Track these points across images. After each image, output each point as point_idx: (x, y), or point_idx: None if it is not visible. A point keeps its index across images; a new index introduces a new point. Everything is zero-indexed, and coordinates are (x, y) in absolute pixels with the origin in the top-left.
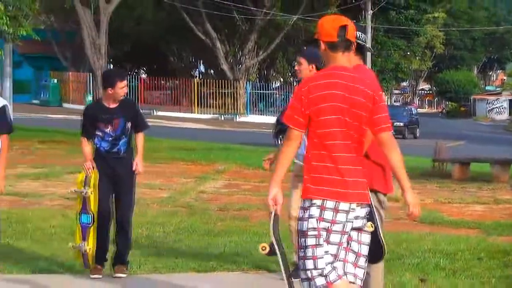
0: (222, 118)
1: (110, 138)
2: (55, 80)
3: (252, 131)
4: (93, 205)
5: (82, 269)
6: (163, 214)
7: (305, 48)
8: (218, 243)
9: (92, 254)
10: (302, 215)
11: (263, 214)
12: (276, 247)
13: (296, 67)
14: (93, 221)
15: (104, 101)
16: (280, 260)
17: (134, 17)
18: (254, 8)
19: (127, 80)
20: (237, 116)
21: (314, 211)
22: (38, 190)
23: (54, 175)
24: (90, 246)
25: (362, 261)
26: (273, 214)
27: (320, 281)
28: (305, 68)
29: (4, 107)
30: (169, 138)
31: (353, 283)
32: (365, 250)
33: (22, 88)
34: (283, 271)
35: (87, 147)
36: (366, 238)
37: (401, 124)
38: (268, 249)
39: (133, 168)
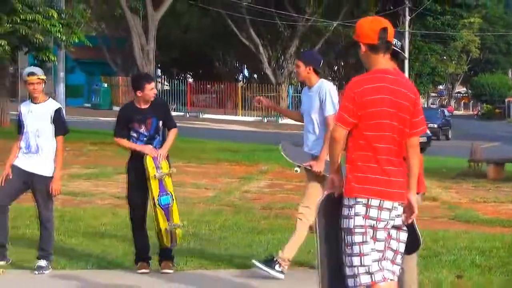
0: (265, 120)
1: (145, 138)
2: (106, 85)
3: (294, 132)
4: (169, 186)
5: (130, 265)
6: (209, 212)
7: (302, 51)
8: (261, 240)
9: (180, 233)
10: (348, 213)
11: None
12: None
13: (295, 69)
14: (173, 199)
15: (136, 103)
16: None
17: (181, 24)
18: (296, 15)
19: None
20: (280, 118)
21: (360, 209)
22: (90, 189)
23: (105, 176)
24: (177, 222)
25: (399, 259)
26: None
27: (365, 279)
28: (302, 70)
29: (59, 109)
30: (214, 139)
31: (392, 279)
32: (402, 247)
33: (75, 92)
34: (318, 251)
35: (126, 140)
36: (404, 236)
37: (435, 125)
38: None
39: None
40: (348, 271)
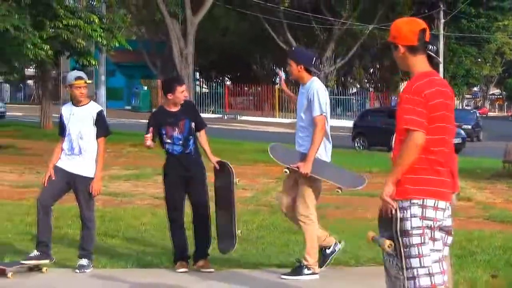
0: None
1: (180, 142)
2: (146, 87)
3: (330, 134)
4: None
5: (170, 264)
6: (246, 212)
7: (292, 49)
8: (298, 240)
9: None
10: (403, 215)
11: (339, 212)
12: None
13: (287, 69)
14: None
15: (166, 106)
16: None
17: (219, 28)
18: (332, 18)
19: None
20: None
21: (416, 210)
22: (130, 190)
23: (144, 176)
24: None
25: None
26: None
27: (425, 281)
28: (294, 69)
29: (101, 112)
30: (252, 141)
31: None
32: (447, 251)
33: (115, 95)
34: (404, 266)
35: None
36: (450, 240)
37: (469, 126)
38: (392, 245)
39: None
40: (407, 274)
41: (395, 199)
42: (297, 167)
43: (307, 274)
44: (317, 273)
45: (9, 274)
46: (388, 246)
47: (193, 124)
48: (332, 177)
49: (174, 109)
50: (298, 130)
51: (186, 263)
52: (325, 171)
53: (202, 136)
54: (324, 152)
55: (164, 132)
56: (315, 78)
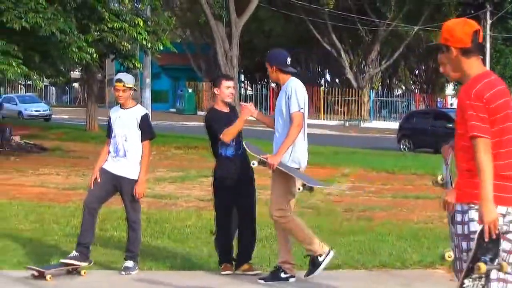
0: (347, 124)
1: (234, 143)
2: (191, 90)
3: (376, 136)
4: None
5: (215, 267)
6: None
7: (268, 52)
8: (343, 242)
9: None
10: (462, 219)
11: (386, 215)
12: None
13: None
14: None
15: (217, 107)
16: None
17: (264, 30)
18: (377, 20)
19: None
20: (362, 122)
21: (474, 214)
22: (175, 192)
23: (190, 179)
24: None
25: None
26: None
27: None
28: (270, 71)
29: (146, 115)
30: None
31: None
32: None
33: (160, 98)
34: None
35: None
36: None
37: None
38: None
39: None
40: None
41: (456, 202)
42: (266, 158)
43: (284, 278)
44: (294, 276)
45: (48, 277)
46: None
47: None
48: (298, 174)
49: (226, 109)
50: (275, 132)
51: (231, 266)
52: (287, 168)
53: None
54: (289, 155)
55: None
56: (293, 78)
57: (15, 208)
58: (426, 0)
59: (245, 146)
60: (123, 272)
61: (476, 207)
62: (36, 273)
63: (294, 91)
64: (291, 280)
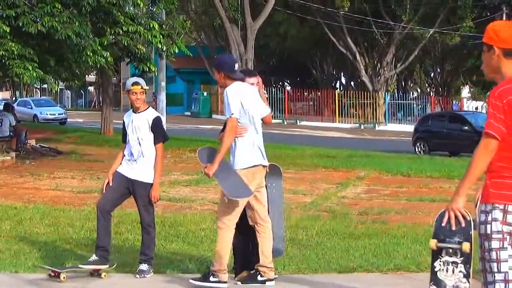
0: (362, 127)
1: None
2: (205, 93)
3: (391, 139)
4: None
5: (229, 270)
6: (306, 218)
7: (215, 57)
8: (358, 245)
9: None
10: (485, 219)
11: (401, 218)
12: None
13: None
14: None
15: None
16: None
17: (279, 33)
18: (393, 23)
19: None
20: (377, 125)
21: (497, 214)
22: (189, 195)
23: (204, 182)
24: None
25: None
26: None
27: (500, 286)
28: (217, 77)
29: (157, 118)
30: (312, 146)
31: None
32: None
33: (175, 101)
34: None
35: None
36: None
37: None
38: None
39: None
40: (488, 277)
41: (481, 202)
42: (205, 167)
43: (213, 282)
44: (224, 282)
45: (62, 277)
46: (469, 249)
47: None
48: (225, 183)
49: None
50: None
51: (247, 271)
52: (224, 177)
53: None
54: (235, 156)
55: None
56: (235, 83)
57: (30, 211)
58: (441, 3)
59: (197, 154)
60: (137, 276)
61: (500, 207)
62: (52, 273)
63: (227, 97)
64: (221, 285)
